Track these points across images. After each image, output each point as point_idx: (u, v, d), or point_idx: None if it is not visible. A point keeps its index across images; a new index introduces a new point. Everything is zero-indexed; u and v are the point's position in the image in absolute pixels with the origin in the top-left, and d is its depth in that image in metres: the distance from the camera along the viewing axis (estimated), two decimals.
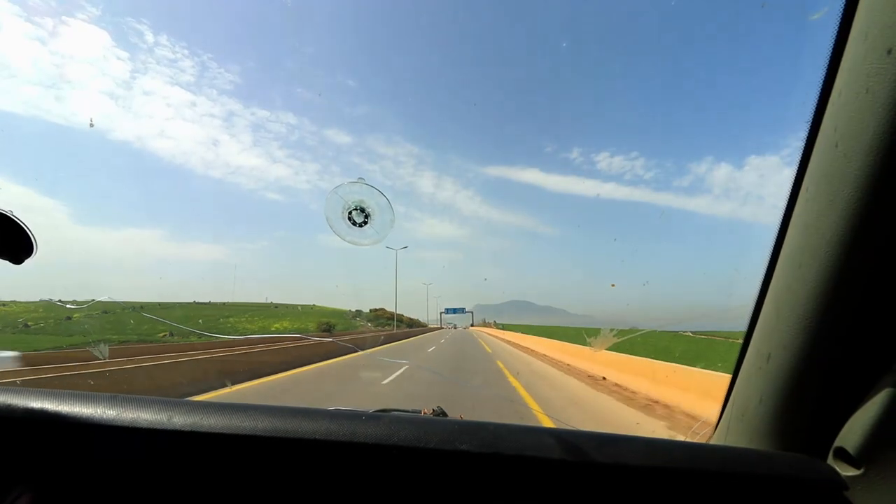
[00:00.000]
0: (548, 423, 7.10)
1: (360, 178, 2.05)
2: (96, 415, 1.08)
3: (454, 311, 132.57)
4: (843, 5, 0.94)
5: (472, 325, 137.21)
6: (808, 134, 1.04)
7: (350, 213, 2.21)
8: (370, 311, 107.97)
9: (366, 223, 2.26)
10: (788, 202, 1.09)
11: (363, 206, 2.18)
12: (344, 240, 2.39)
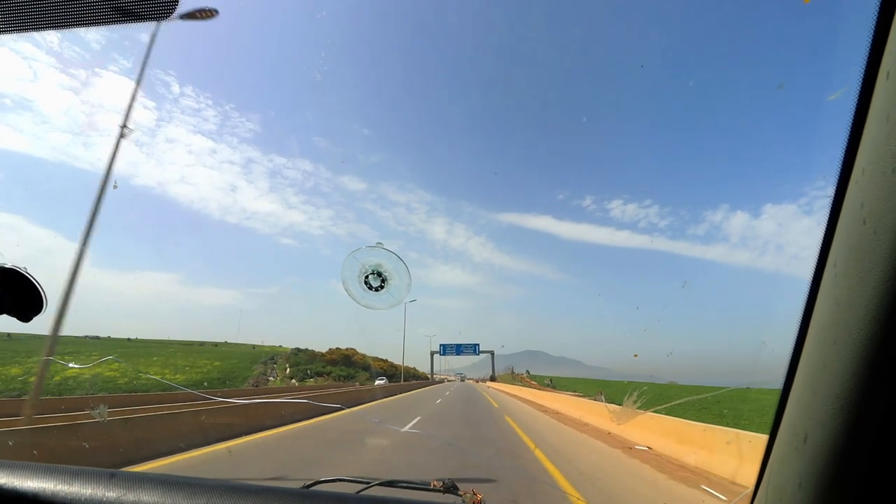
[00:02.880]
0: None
1: (378, 243, 2.07)
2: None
3: (456, 349, 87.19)
4: (859, 88, 0.96)
5: (491, 378, 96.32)
6: (832, 206, 1.03)
7: (367, 277, 2.19)
8: (328, 350, 74.30)
9: (382, 287, 2.23)
10: (815, 273, 1.07)
11: (380, 269, 2.17)
12: (359, 304, 2.37)
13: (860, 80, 0.97)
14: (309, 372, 66.73)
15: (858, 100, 0.95)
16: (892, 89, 0.88)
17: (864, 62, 0.96)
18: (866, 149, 0.96)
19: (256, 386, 52.73)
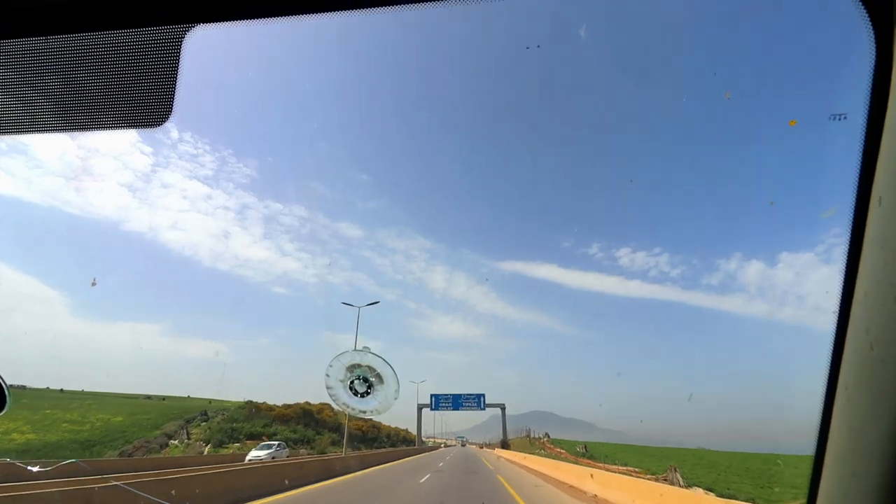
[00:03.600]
0: None
1: (365, 347, 2.02)
2: None
3: (453, 401, 61.27)
4: (852, 212, 0.94)
5: (502, 444, 66.54)
6: (836, 334, 0.99)
7: (353, 382, 2.09)
8: (283, 405, 55.44)
9: (368, 393, 2.13)
10: (826, 397, 1.01)
11: (367, 375, 2.08)
12: (344, 410, 2.26)
13: (852, 203, 0.95)
14: (237, 433, 48.46)
15: (853, 226, 0.93)
16: (885, 216, 0.86)
17: (855, 186, 0.95)
18: (865, 274, 0.93)
19: (130, 455, 38.96)
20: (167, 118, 1.64)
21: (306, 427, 54.45)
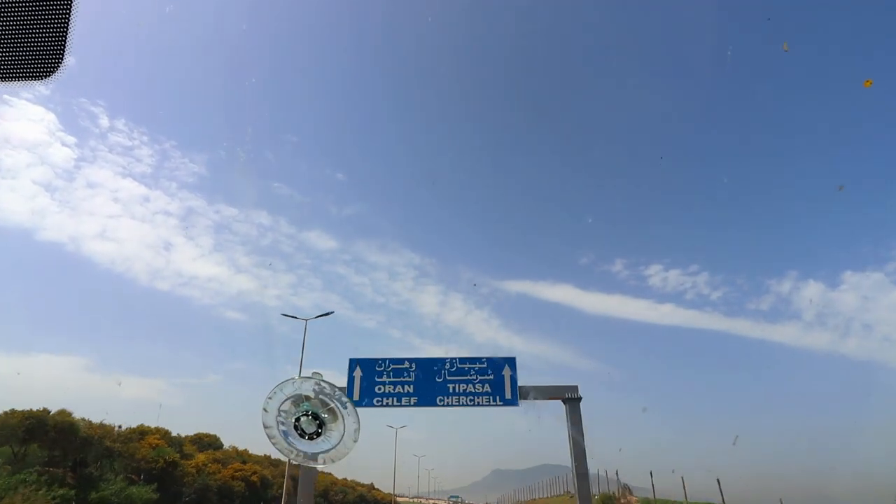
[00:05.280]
0: None
1: (315, 373, 1.60)
2: None
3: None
4: None
5: None
6: None
7: (298, 419, 1.65)
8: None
9: (319, 434, 1.67)
10: None
11: (317, 410, 1.65)
12: (287, 456, 1.79)
13: None
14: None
15: None
16: None
17: None
18: None
19: None
20: (56, 68, 1.33)
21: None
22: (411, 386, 19.61)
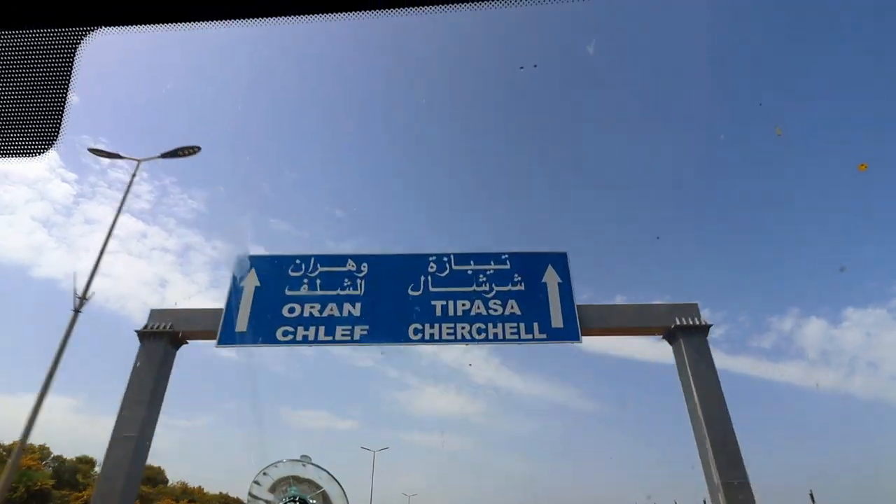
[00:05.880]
0: None
1: (303, 456, 1.58)
2: None
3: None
4: None
5: None
6: None
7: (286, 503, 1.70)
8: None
9: None
10: None
11: (305, 497, 1.67)
12: None
13: None
14: None
15: None
16: None
17: None
18: None
19: None
20: (51, 145, 1.32)
21: None
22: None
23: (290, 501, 1.35)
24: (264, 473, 1.38)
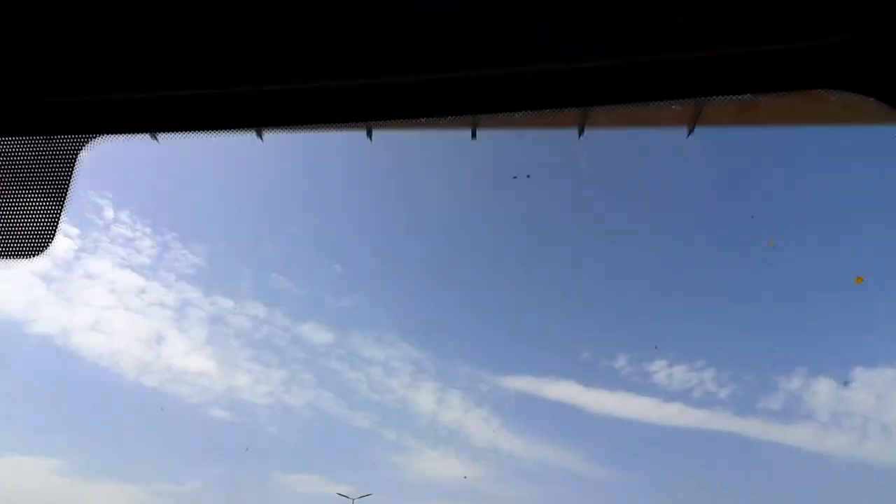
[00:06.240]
0: None
1: None
2: None
3: None
4: None
5: None
6: None
7: None
8: None
9: None
10: None
11: None
12: None
13: None
14: None
15: None
16: None
17: None
18: None
19: None
20: (47, 247, 1.31)
21: None
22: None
23: None
24: None
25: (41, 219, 1.27)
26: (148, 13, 1.05)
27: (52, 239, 1.29)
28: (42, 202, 1.26)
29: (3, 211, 1.25)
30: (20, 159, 1.22)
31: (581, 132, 2.15)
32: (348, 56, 1.12)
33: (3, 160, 1.23)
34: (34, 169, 1.24)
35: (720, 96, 1.16)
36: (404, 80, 1.13)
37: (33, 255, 1.27)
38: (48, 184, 1.24)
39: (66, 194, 1.24)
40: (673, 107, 1.19)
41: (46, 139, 1.21)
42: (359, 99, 1.16)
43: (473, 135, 2.33)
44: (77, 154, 1.22)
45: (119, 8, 1.04)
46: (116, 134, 1.20)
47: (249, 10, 1.05)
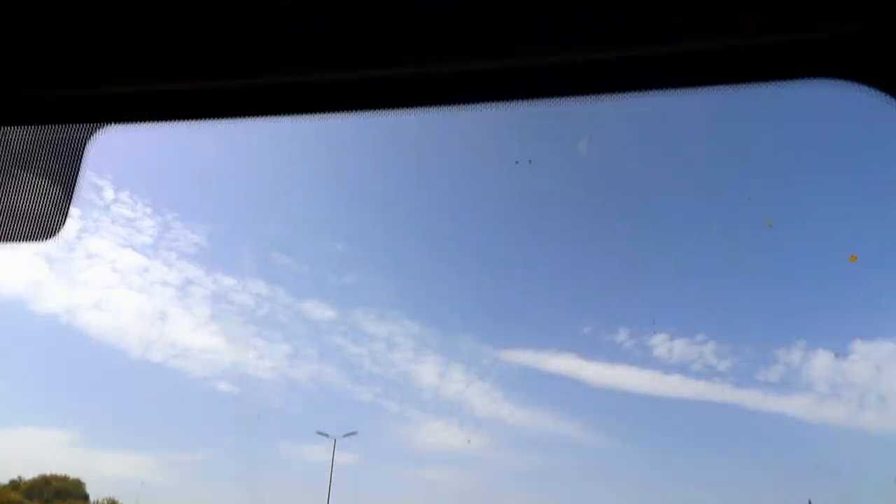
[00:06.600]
0: None
1: None
2: None
3: None
4: None
5: None
6: None
7: None
8: None
9: None
10: None
11: None
12: None
13: None
14: None
15: None
16: None
17: None
18: None
19: None
20: (60, 230, 1.35)
21: None
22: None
23: None
24: None
25: (51, 204, 1.30)
26: (149, 12, 1.06)
27: (63, 223, 1.33)
28: (51, 189, 1.30)
29: (16, 196, 1.30)
30: (30, 147, 1.26)
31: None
32: (346, 48, 1.12)
33: (13, 149, 1.26)
34: (44, 157, 1.27)
35: (725, 86, 1.16)
36: (404, 72, 1.13)
37: (44, 239, 1.31)
38: (57, 172, 1.27)
39: (74, 181, 1.27)
40: (677, 95, 1.18)
41: (54, 128, 1.24)
42: (357, 90, 1.17)
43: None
44: (85, 143, 1.24)
45: (120, 6, 1.06)
46: (121, 123, 1.22)
47: (249, 9, 1.06)
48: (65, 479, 29.55)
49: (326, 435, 27.74)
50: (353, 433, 27.51)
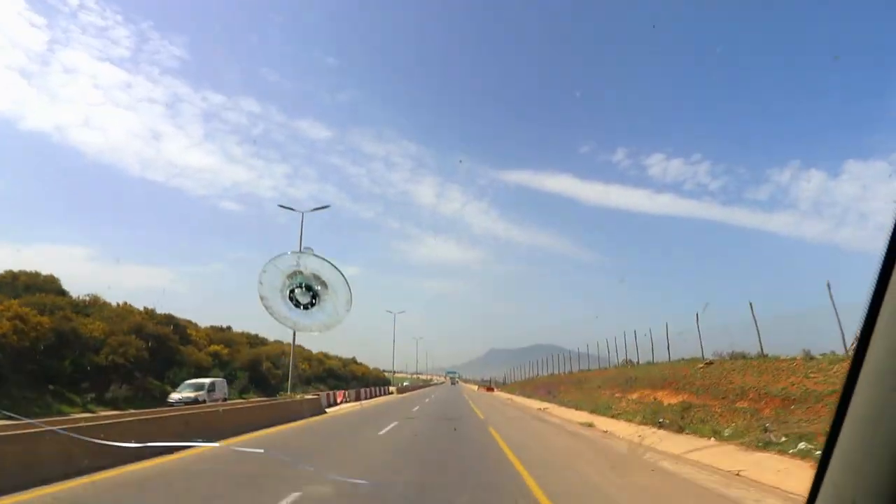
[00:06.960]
0: None
1: (307, 248, 1.70)
2: None
3: None
4: None
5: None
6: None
7: (293, 291, 1.77)
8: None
9: (313, 304, 1.82)
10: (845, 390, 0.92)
11: (310, 283, 1.77)
12: (284, 324, 1.95)
13: None
14: None
15: None
16: None
17: None
18: None
19: None
20: None
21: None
22: None
23: (297, 287, 1.39)
24: (272, 263, 1.41)
25: None
26: None
27: None
28: None
29: None
30: None
31: None
32: None
33: None
34: None
35: None
36: None
37: None
38: None
39: None
40: None
41: None
42: None
43: None
44: None
45: None
46: None
47: None
48: (36, 274, 27.45)
49: (291, 209, 27.09)
50: (326, 206, 27.50)
